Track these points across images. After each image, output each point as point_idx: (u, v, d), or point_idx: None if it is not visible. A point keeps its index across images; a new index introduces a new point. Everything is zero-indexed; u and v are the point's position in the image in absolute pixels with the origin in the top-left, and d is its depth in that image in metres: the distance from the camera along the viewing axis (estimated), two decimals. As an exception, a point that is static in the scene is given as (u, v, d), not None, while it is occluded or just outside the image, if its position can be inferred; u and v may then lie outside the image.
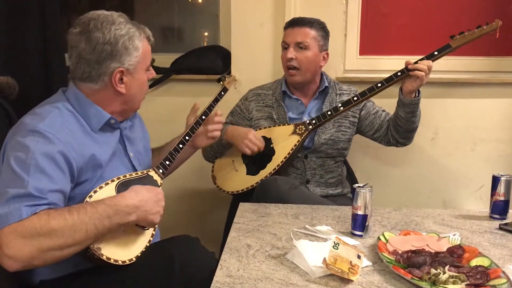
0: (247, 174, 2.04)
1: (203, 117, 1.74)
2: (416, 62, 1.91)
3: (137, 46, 1.38)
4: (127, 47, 1.36)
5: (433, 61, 1.93)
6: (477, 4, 2.46)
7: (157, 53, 2.69)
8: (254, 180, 1.96)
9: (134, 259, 1.31)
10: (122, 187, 1.33)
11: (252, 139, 1.99)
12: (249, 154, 2.00)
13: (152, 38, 1.46)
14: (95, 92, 1.38)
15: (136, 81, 1.42)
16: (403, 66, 1.94)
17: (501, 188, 1.59)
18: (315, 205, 1.77)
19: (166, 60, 2.65)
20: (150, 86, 2.57)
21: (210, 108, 1.78)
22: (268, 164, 2.02)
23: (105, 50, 1.33)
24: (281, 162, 2.00)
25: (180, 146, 1.63)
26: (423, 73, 1.87)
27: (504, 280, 1.10)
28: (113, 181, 1.35)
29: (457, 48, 1.97)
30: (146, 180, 1.44)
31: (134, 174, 1.43)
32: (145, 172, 1.47)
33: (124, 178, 1.38)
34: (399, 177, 2.55)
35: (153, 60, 1.48)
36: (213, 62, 2.53)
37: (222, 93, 1.88)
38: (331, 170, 2.14)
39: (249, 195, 1.96)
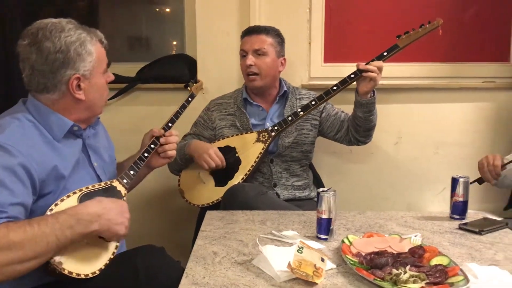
0: (215, 185, 2.05)
1: (170, 124, 1.72)
2: (367, 64, 1.97)
3: (90, 50, 1.37)
4: (80, 53, 1.35)
5: (383, 61, 1.99)
6: (435, 14, 2.52)
7: (124, 63, 2.71)
8: (223, 191, 1.96)
9: (97, 272, 1.29)
10: (85, 198, 1.32)
11: (212, 155, 1.99)
12: (207, 169, 2.01)
13: (105, 40, 1.45)
14: (55, 102, 1.37)
15: (94, 86, 1.41)
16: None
17: (459, 189, 1.65)
18: (282, 210, 1.79)
19: (133, 69, 2.64)
20: (115, 96, 2.55)
21: (176, 115, 1.76)
22: (235, 174, 2.04)
23: (58, 59, 1.32)
24: (248, 171, 2.02)
25: (146, 155, 1.61)
26: (375, 74, 1.93)
27: (462, 278, 1.14)
28: (75, 193, 1.33)
29: (404, 47, 2.04)
30: (110, 192, 1.43)
31: (97, 185, 1.41)
32: (108, 182, 1.45)
33: (87, 189, 1.37)
34: (365, 181, 2.60)
35: (109, 63, 1.47)
36: (179, 70, 2.53)
37: (190, 99, 1.87)
38: (297, 174, 2.17)
39: (218, 205, 1.96)
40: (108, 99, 1.61)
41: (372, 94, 2.01)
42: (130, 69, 2.62)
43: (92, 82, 1.40)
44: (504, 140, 2.48)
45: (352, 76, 2.00)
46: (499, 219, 1.68)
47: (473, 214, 1.70)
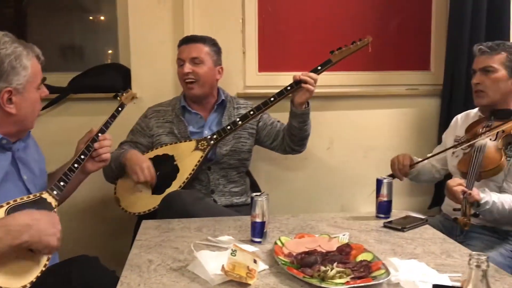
0: (152, 193, 2.04)
1: (99, 134, 1.70)
2: (303, 75, 2.05)
3: (25, 65, 1.35)
4: (14, 66, 1.33)
5: (318, 74, 2.09)
6: (361, 25, 2.68)
7: (55, 72, 2.64)
8: (160, 198, 1.96)
9: (28, 285, 1.26)
10: (13, 211, 1.29)
11: (144, 169, 1.99)
12: (136, 181, 2.01)
13: (42, 57, 1.44)
14: None
15: (26, 100, 1.39)
16: (297, 82, 2.08)
17: (384, 190, 1.76)
18: (219, 217, 1.82)
19: (65, 79, 2.57)
20: (46, 106, 2.48)
21: (106, 125, 1.73)
22: (173, 182, 2.05)
23: None
24: (186, 179, 2.04)
25: (75, 165, 1.58)
26: (312, 87, 2.02)
27: (383, 271, 1.23)
28: (1, 206, 1.30)
29: (337, 62, 2.15)
30: (39, 204, 1.40)
31: (25, 198, 1.38)
32: (38, 195, 1.42)
33: (15, 202, 1.34)
34: (300, 185, 2.68)
35: (44, 79, 1.46)
36: (113, 80, 2.50)
37: (120, 109, 1.84)
38: (235, 180, 2.21)
39: (155, 213, 1.96)
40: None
41: (306, 105, 2.10)
42: (62, 79, 2.56)
43: (25, 97, 1.38)
44: (426, 143, 2.65)
45: (289, 88, 2.08)
46: (421, 216, 1.81)
47: (397, 213, 1.82)
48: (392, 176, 2.07)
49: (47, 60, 1.52)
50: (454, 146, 2.01)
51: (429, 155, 2.16)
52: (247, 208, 2.19)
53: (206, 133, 2.19)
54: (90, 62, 2.81)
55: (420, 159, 2.12)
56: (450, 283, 1.18)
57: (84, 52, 2.99)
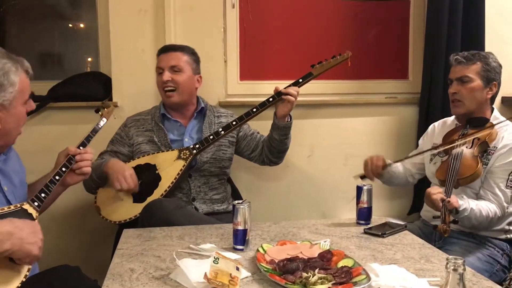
0: (134, 202, 2.03)
1: (81, 147, 1.69)
2: (286, 88, 2.09)
3: (12, 81, 1.35)
4: (2, 83, 1.33)
5: (299, 87, 2.12)
6: (340, 35, 2.73)
7: (34, 81, 2.58)
8: (142, 207, 1.96)
9: (9, 295, 1.25)
10: None
11: (127, 176, 1.98)
12: (118, 189, 1.99)
13: (31, 71, 1.43)
14: None
15: (12, 116, 1.39)
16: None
17: (364, 197, 1.79)
18: (200, 225, 1.82)
19: (44, 87, 2.54)
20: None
21: (88, 138, 1.72)
22: (155, 190, 2.04)
23: None
24: (168, 187, 2.03)
25: (57, 177, 1.56)
26: (293, 98, 2.05)
27: (364, 276, 1.25)
28: (-18, 216, 1.28)
29: (318, 75, 2.20)
30: (20, 214, 1.38)
31: (6, 208, 1.37)
32: (18, 205, 1.41)
33: (-4, 212, 1.32)
34: (281, 193, 2.70)
35: (32, 93, 1.45)
36: (94, 88, 2.49)
37: (101, 123, 1.82)
38: (215, 187, 2.22)
39: (136, 222, 1.95)
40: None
41: (289, 119, 2.13)
42: (41, 87, 2.53)
43: (11, 112, 1.38)
44: (405, 150, 2.68)
45: (271, 99, 2.11)
46: (400, 222, 1.84)
47: (377, 219, 1.85)
48: (363, 176, 2.09)
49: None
50: (430, 150, 2.04)
51: (403, 158, 2.18)
52: (228, 215, 2.19)
53: (187, 140, 2.19)
54: (69, 70, 2.78)
55: (392, 161, 2.14)
56: (429, 287, 1.21)
57: (63, 60, 2.96)
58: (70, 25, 2.96)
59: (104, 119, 1.84)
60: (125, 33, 2.49)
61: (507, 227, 1.93)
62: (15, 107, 1.39)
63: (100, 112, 1.87)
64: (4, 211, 1.35)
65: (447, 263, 0.92)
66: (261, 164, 2.32)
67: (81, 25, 2.96)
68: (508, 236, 1.94)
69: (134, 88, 2.51)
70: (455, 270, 0.91)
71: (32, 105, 1.48)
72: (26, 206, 1.43)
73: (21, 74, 1.39)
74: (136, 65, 2.51)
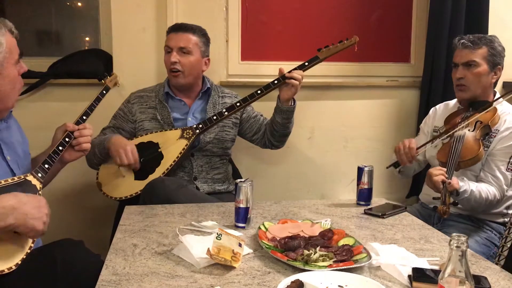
0: (135, 179, 2.04)
1: (84, 117, 1.69)
2: (290, 72, 2.07)
3: None
4: None
5: (304, 71, 2.11)
6: (343, 17, 2.71)
7: (32, 57, 2.59)
8: (143, 184, 1.96)
9: (13, 267, 1.25)
10: None
11: (128, 152, 1.98)
12: (119, 164, 1.99)
13: (15, 30, 1.41)
14: None
15: (5, 77, 1.37)
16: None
17: (365, 178, 1.80)
18: (202, 203, 1.83)
19: (42, 64, 2.53)
20: (26, 91, 2.44)
21: (91, 107, 1.72)
22: (157, 168, 2.05)
23: None
24: (170, 166, 2.03)
25: (60, 148, 1.56)
26: (297, 82, 2.05)
27: (365, 255, 1.26)
28: (-15, 188, 1.28)
29: (324, 59, 2.19)
30: (24, 186, 1.39)
31: (10, 180, 1.37)
32: (22, 177, 1.41)
33: (-1, 184, 1.32)
34: (281, 174, 2.71)
35: (21, 53, 1.43)
36: (94, 66, 2.47)
37: (104, 92, 1.83)
38: (217, 167, 2.23)
39: (137, 199, 1.96)
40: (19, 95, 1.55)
41: (292, 103, 2.12)
42: (40, 64, 2.51)
43: (4, 74, 1.35)
44: (405, 133, 2.70)
45: (276, 82, 2.10)
46: (400, 204, 1.85)
47: (377, 201, 1.86)
48: (396, 164, 2.01)
49: (23, 45, 1.49)
50: (438, 137, 1.99)
51: (423, 143, 2.05)
52: (229, 195, 2.21)
53: (190, 119, 2.19)
54: (67, 47, 2.76)
55: (421, 145, 2.01)
56: (428, 266, 1.22)
57: (60, 38, 2.93)
58: (68, 3, 2.93)
59: (108, 88, 1.85)
60: (127, 11, 2.47)
61: (505, 211, 1.95)
62: (6, 68, 1.37)
63: (103, 81, 1.88)
64: (8, 182, 1.35)
65: (451, 240, 0.93)
66: (263, 147, 2.32)
67: (79, 4, 2.93)
68: (506, 219, 1.96)
69: (135, 66, 2.50)
70: (458, 247, 0.92)
71: (24, 66, 1.45)
72: (29, 178, 1.43)
73: (6, 34, 1.37)
74: (137, 43, 2.49)
